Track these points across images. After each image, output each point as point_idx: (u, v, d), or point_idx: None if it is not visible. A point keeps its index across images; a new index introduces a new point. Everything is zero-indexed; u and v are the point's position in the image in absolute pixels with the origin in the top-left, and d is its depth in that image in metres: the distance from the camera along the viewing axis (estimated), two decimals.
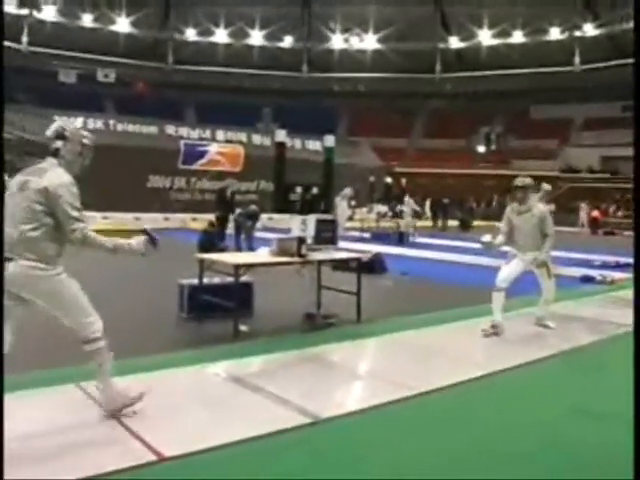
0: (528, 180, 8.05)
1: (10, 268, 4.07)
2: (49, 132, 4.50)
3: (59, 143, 4.47)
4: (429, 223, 32.98)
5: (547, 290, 8.11)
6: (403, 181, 37.02)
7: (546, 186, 14.61)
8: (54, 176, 4.26)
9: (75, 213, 4.24)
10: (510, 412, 5.20)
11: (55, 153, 4.43)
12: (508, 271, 7.89)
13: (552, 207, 15.47)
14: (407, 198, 25.78)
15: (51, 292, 4.23)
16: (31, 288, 4.17)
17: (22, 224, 4.15)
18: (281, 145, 31.11)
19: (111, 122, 31.05)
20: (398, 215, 25.57)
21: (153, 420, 4.54)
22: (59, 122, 4.72)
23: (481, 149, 54.17)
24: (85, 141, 4.58)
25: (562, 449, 4.41)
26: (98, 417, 4.51)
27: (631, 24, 48.65)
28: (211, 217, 16.33)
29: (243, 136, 34.73)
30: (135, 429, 4.32)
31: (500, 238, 8.13)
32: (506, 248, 8.29)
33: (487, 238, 8.11)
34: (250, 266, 7.75)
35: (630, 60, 49.47)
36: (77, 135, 4.57)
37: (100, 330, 4.38)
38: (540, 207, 8.14)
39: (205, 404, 5.01)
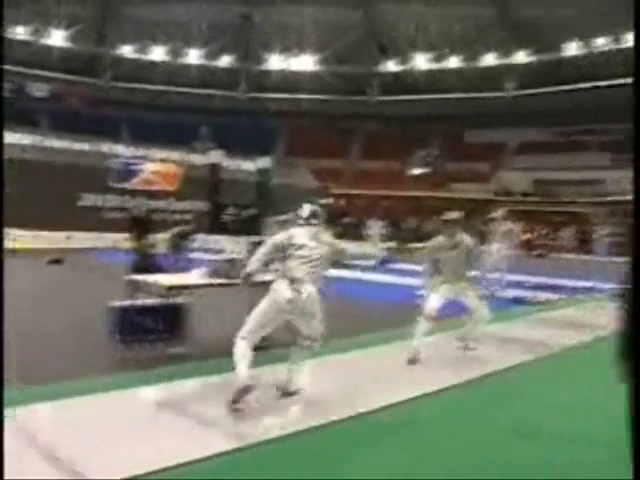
0: (459, 216, 8.18)
1: None
2: None
3: None
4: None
5: (478, 310, 8.15)
6: (340, 202, 37.20)
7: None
8: None
9: None
10: (438, 435, 5.23)
11: None
12: (436, 300, 7.93)
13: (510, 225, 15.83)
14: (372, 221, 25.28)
15: None
16: None
17: None
18: (215, 166, 30.93)
19: (43, 138, 30.51)
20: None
21: (81, 446, 4.42)
22: None
23: (417, 171, 54.81)
24: None
25: (493, 470, 4.45)
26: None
27: (564, 53, 50.24)
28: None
29: (179, 155, 34.50)
30: (59, 456, 4.19)
31: (426, 272, 8.24)
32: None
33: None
34: (183, 287, 7.63)
35: (562, 87, 51.13)
36: None
37: None
38: (467, 238, 8.16)
39: (134, 429, 4.91)
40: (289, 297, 5.90)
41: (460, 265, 7.98)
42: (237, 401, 5.54)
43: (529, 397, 6.52)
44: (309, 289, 5.99)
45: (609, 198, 43.79)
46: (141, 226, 16.63)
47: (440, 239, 8.15)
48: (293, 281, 5.94)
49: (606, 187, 45.61)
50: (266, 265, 6.46)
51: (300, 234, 6.24)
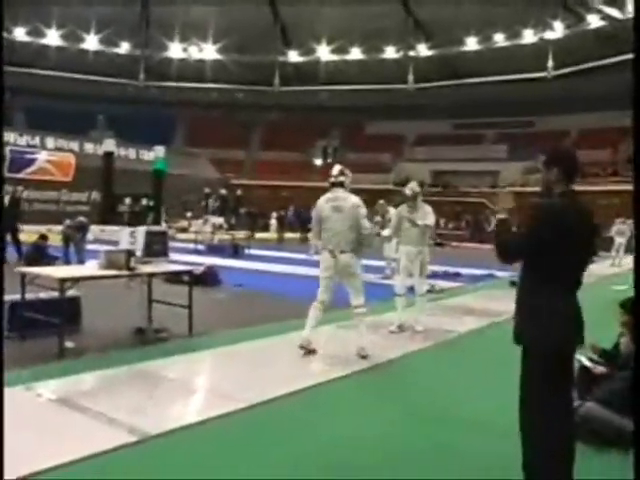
0: (417, 188, 9.31)
1: None
2: None
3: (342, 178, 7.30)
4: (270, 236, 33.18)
5: (419, 286, 9.31)
6: (238, 192, 37.01)
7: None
8: None
9: None
10: (339, 419, 5.32)
11: None
12: (402, 278, 9.23)
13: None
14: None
15: None
16: None
17: None
18: (109, 155, 30.25)
19: None
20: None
21: None
22: None
23: (318, 162, 55.16)
24: None
25: (398, 456, 4.56)
26: None
27: (462, 47, 51.37)
28: (40, 228, 15.68)
29: (75, 145, 33.62)
30: None
31: (391, 234, 9.63)
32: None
33: (386, 233, 9.78)
34: (76, 280, 7.46)
35: (460, 81, 52.33)
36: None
37: None
38: (427, 207, 9.24)
39: (27, 427, 4.76)
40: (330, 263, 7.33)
41: (420, 230, 9.06)
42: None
43: (423, 383, 6.70)
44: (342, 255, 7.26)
45: (504, 190, 45.13)
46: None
47: (403, 207, 9.24)
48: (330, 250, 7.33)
49: (502, 178, 47.07)
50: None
51: (326, 207, 7.42)
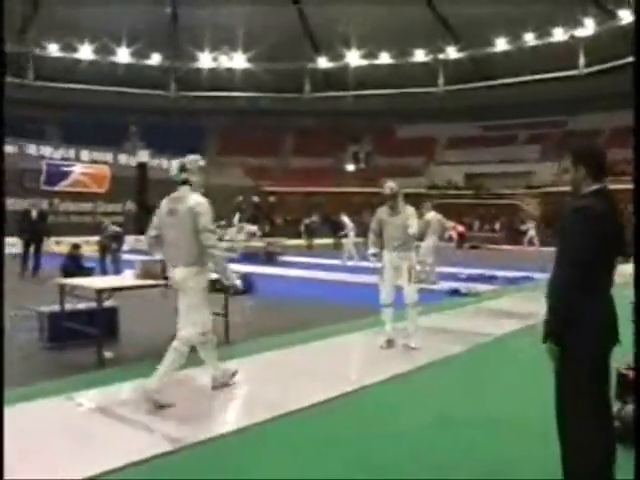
0: (395, 186, 8.46)
1: None
2: None
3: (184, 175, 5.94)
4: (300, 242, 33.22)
5: (408, 293, 8.33)
6: (271, 199, 37.04)
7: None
8: None
9: None
10: (376, 425, 5.28)
11: None
12: (385, 287, 8.33)
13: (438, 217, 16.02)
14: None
15: None
16: None
17: None
18: (143, 165, 30.66)
19: None
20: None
21: (12, 457, 4.32)
22: None
23: (350, 167, 55.12)
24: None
25: (428, 457, 4.52)
26: None
27: (491, 48, 51.13)
28: (76, 240, 15.83)
29: (109, 156, 33.96)
30: None
31: (371, 241, 8.60)
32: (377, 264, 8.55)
33: (372, 250, 8.48)
34: (113, 290, 7.52)
35: (491, 82, 52.06)
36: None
37: None
38: (409, 209, 8.46)
39: (66, 437, 4.82)
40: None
41: (401, 233, 8.23)
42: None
43: (459, 387, 6.63)
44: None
45: (537, 190, 44.78)
46: (31, 227, 16.71)
47: (383, 208, 8.49)
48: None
49: (536, 179, 46.61)
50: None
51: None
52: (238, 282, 6.20)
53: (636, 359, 3.31)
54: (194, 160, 6.12)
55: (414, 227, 8.22)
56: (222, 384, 6.21)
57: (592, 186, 3.52)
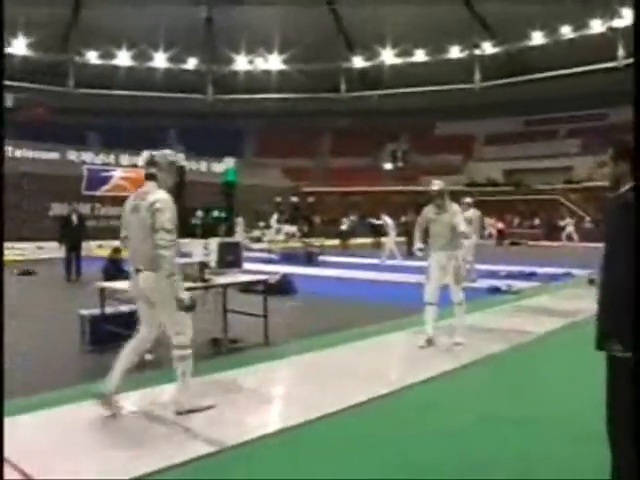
0: (442, 184, 8.45)
1: None
2: None
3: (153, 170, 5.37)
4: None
5: (453, 292, 8.33)
6: (309, 199, 37.07)
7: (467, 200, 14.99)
8: None
9: None
10: (417, 425, 5.25)
11: None
12: (431, 285, 8.20)
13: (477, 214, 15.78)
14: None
15: None
16: None
17: None
18: (179, 168, 30.92)
19: (10, 148, 30.13)
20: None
21: (54, 458, 4.38)
22: None
23: (388, 166, 54.97)
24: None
25: (469, 456, 4.47)
26: None
27: (528, 42, 50.58)
28: (116, 244, 16.01)
29: None
30: (29, 471, 4.14)
31: (417, 237, 8.66)
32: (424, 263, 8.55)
33: (418, 245, 8.49)
34: None
35: (528, 77, 51.48)
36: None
37: None
38: (455, 207, 8.43)
39: (108, 438, 4.86)
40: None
41: (448, 233, 8.18)
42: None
43: (501, 385, 6.56)
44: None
45: (578, 185, 44.24)
46: (72, 232, 16.95)
47: (430, 207, 8.43)
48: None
49: (576, 174, 46.04)
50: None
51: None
52: (185, 295, 5.34)
53: (636, 359, 3.18)
54: (164, 154, 5.60)
55: (463, 225, 8.21)
56: (188, 410, 5.40)
57: (631, 182, 3.41)
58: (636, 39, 3.57)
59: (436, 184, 8.42)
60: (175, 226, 5.31)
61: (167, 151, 5.75)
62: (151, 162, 5.49)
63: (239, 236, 32.45)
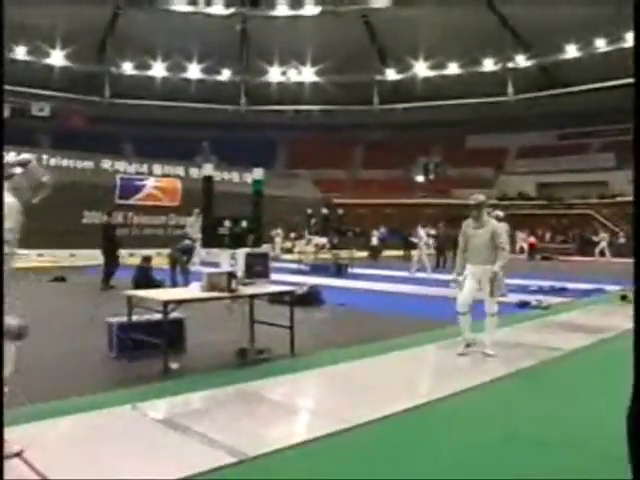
0: (482, 197, 8.49)
1: None
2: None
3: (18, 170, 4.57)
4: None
5: (488, 305, 8.30)
6: (340, 211, 37.04)
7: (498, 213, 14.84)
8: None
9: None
10: (444, 440, 5.19)
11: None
12: (464, 295, 8.23)
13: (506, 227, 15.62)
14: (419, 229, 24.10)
15: None
16: None
17: None
18: (208, 179, 31.00)
19: (45, 157, 30.48)
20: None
21: (77, 464, 4.40)
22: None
23: (419, 179, 54.86)
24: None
25: (493, 474, 4.41)
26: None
27: (561, 55, 50.27)
28: (147, 252, 16.18)
29: (180, 170, 34.60)
30: (49, 476, 4.16)
31: (459, 259, 8.57)
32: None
33: (455, 277, 8.42)
34: (179, 302, 7.60)
35: (561, 90, 51.10)
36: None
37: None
38: (493, 222, 8.48)
39: (131, 446, 4.87)
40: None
41: (486, 247, 8.21)
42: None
43: (528, 403, 6.47)
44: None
45: (612, 200, 43.76)
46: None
47: (469, 221, 8.48)
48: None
49: (610, 188, 45.58)
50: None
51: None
52: (15, 322, 4.14)
53: (636, 361, 3.09)
54: (22, 158, 4.81)
55: (506, 243, 8.41)
56: None
57: None
58: (636, 41, 3.51)
59: (474, 197, 8.46)
60: (15, 238, 4.35)
61: (27, 155, 5.21)
62: (16, 163, 4.71)
63: (277, 247, 32.70)
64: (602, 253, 35.26)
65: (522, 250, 37.13)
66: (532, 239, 38.17)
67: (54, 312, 10.94)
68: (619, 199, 42.21)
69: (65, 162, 31.02)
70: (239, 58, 57.40)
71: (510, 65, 54.22)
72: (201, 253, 20.63)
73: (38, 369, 6.66)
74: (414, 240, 23.70)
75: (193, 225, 22.32)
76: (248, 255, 8.32)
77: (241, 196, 32.34)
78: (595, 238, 37.64)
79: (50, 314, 10.72)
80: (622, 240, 36.99)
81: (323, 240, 27.89)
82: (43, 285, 16.38)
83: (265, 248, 14.87)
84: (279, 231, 33.75)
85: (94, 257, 20.40)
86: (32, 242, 21.16)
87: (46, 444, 4.79)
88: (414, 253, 23.24)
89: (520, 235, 38.11)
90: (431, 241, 24.69)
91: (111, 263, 16.83)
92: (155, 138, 49.47)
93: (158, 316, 7.57)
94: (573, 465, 4.63)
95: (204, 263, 19.06)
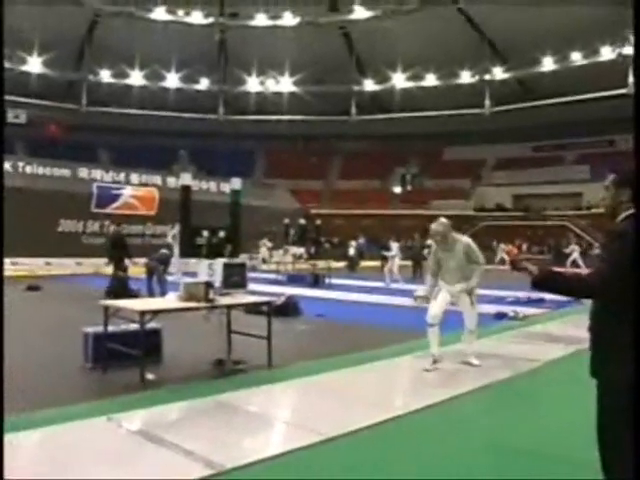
0: (441, 227, 8.21)
1: None
2: None
3: None
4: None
5: (469, 319, 8.36)
6: (317, 222, 37.00)
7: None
8: None
9: None
10: (422, 452, 5.20)
11: None
12: (436, 307, 8.16)
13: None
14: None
15: None
16: None
17: None
18: (186, 188, 30.96)
19: (20, 164, 30.23)
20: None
21: (51, 476, 4.35)
22: None
23: (397, 190, 55.01)
24: None
25: None
26: None
27: (538, 68, 50.73)
28: (125, 262, 16.04)
29: (158, 179, 34.43)
30: None
31: (430, 280, 8.51)
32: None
33: (421, 292, 8.40)
34: (156, 312, 7.55)
35: (538, 102, 51.50)
36: None
37: None
38: (463, 240, 8.36)
39: (105, 459, 4.82)
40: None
41: (459, 267, 8.17)
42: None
43: (506, 414, 6.49)
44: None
45: (587, 211, 44.16)
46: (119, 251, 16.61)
47: (438, 245, 8.38)
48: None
49: (585, 200, 46.01)
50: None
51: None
52: None
53: (636, 362, 3.13)
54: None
55: (479, 255, 8.26)
56: None
57: (630, 209, 3.34)
58: (636, 42, 3.55)
59: (434, 232, 8.27)
60: None
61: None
62: None
63: (262, 256, 32.57)
64: (575, 264, 35.38)
65: (503, 261, 37.15)
66: (515, 250, 38.21)
67: (28, 322, 10.82)
68: (594, 210, 42.56)
69: (41, 170, 30.76)
70: (218, 67, 57.27)
71: (487, 77, 54.56)
72: (176, 264, 20.53)
73: (10, 380, 6.59)
74: (385, 254, 23.87)
75: (175, 236, 22.17)
76: (226, 265, 8.29)
77: (219, 206, 32.24)
78: (566, 250, 37.79)
79: (24, 324, 10.60)
80: (597, 251, 37.19)
81: (301, 250, 27.88)
82: (17, 294, 16.19)
83: (242, 258, 14.84)
84: (265, 241, 33.63)
85: (69, 266, 20.31)
86: (6, 250, 21.05)
87: (18, 458, 4.73)
88: (387, 265, 23.33)
89: (503, 247, 38.17)
90: (401, 254, 24.66)
91: (120, 272, 16.51)
92: (133, 147, 49.28)
93: (135, 326, 7.52)
94: (550, 473, 4.65)
95: (179, 273, 19.01)
